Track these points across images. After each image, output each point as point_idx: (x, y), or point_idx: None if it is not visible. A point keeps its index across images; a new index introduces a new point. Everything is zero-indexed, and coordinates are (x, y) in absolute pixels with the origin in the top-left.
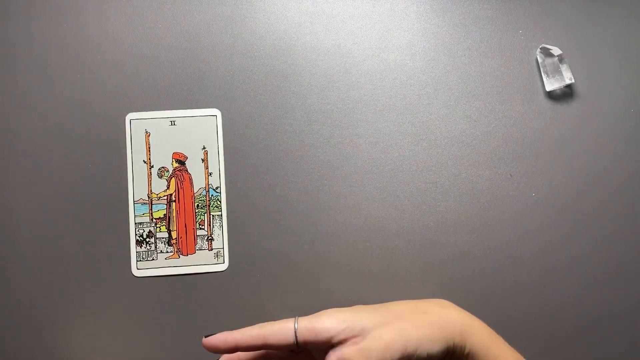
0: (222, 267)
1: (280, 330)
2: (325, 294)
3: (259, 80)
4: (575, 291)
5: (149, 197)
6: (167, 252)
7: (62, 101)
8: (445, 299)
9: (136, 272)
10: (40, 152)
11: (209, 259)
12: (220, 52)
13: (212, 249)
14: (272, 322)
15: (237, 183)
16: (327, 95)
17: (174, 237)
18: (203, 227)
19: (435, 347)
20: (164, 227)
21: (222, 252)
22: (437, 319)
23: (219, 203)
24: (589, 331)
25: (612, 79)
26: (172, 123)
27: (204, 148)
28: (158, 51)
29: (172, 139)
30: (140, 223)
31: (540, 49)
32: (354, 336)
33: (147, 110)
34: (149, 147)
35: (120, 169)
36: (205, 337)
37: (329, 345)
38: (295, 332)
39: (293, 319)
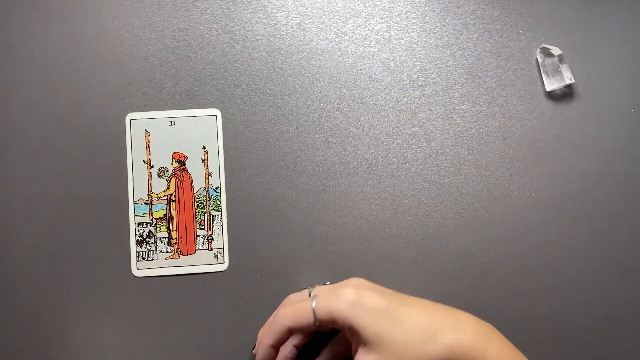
0: (222, 267)
1: (300, 316)
2: None
3: (259, 80)
4: (575, 291)
5: (149, 197)
6: (167, 252)
7: (62, 101)
8: (445, 299)
9: (136, 272)
10: (40, 152)
11: (209, 259)
12: (220, 52)
13: (212, 249)
14: (287, 308)
15: (237, 183)
16: (327, 95)
17: (174, 237)
18: (203, 227)
19: None
20: (164, 227)
21: (222, 252)
22: (443, 349)
23: (219, 203)
24: (589, 331)
25: (612, 79)
26: (172, 123)
27: (204, 148)
28: (158, 51)
29: (172, 139)
30: (140, 223)
31: (540, 49)
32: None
33: (147, 110)
34: (149, 147)
35: (120, 169)
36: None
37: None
38: (313, 309)
39: (309, 299)
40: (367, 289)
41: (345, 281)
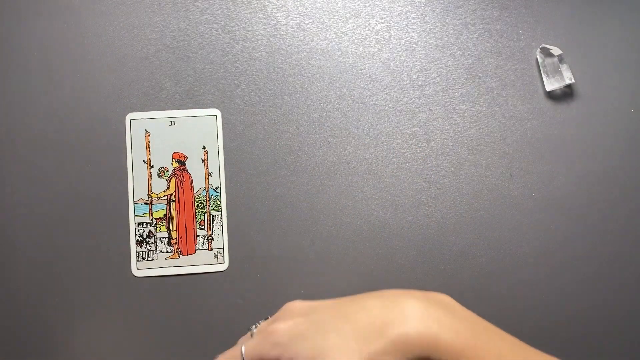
0: (222, 267)
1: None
2: (325, 294)
3: (259, 80)
4: (575, 291)
5: (149, 197)
6: (167, 252)
7: (62, 101)
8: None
9: (136, 272)
10: (41, 152)
11: (209, 259)
12: (220, 52)
13: (212, 249)
14: (225, 351)
15: (237, 183)
16: (327, 95)
17: (174, 237)
18: (203, 227)
19: None
20: (164, 227)
21: (222, 252)
22: (386, 346)
23: (219, 203)
24: (589, 331)
25: (612, 79)
26: (172, 123)
27: (204, 148)
28: (158, 51)
29: (172, 139)
30: (140, 223)
31: (540, 49)
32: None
33: (147, 110)
34: (149, 147)
35: (120, 169)
36: None
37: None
38: (242, 357)
39: (239, 345)
40: (299, 316)
41: (281, 310)
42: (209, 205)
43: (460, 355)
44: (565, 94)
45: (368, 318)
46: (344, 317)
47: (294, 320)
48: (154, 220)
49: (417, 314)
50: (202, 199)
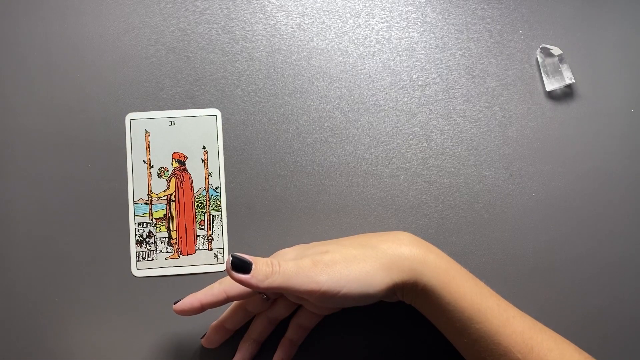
0: (222, 267)
1: None
2: None
3: (259, 80)
4: (575, 291)
5: (148, 197)
6: (167, 252)
7: (62, 101)
8: None
9: (136, 272)
10: (40, 152)
11: (209, 259)
12: (220, 52)
13: (212, 249)
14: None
15: (237, 183)
16: (327, 95)
17: (173, 237)
18: (203, 227)
19: (371, 288)
20: (164, 227)
21: (222, 252)
22: (383, 257)
23: (219, 203)
24: (589, 332)
25: (612, 79)
26: (172, 123)
27: (204, 148)
28: (158, 51)
29: (172, 139)
30: (140, 223)
31: (540, 49)
32: None
33: (147, 110)
34: (149, 147)
35: (120, 169)
36: (174, 303)
37: None
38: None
39: None
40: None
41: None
42: (209, 205)
43: (444, 272)
44: (565, 94)
45: (364, 238)
46: (344, 242)
47: (286, 250)
48: (154, 220)
49: (409, 240)
50: (202, 199)
